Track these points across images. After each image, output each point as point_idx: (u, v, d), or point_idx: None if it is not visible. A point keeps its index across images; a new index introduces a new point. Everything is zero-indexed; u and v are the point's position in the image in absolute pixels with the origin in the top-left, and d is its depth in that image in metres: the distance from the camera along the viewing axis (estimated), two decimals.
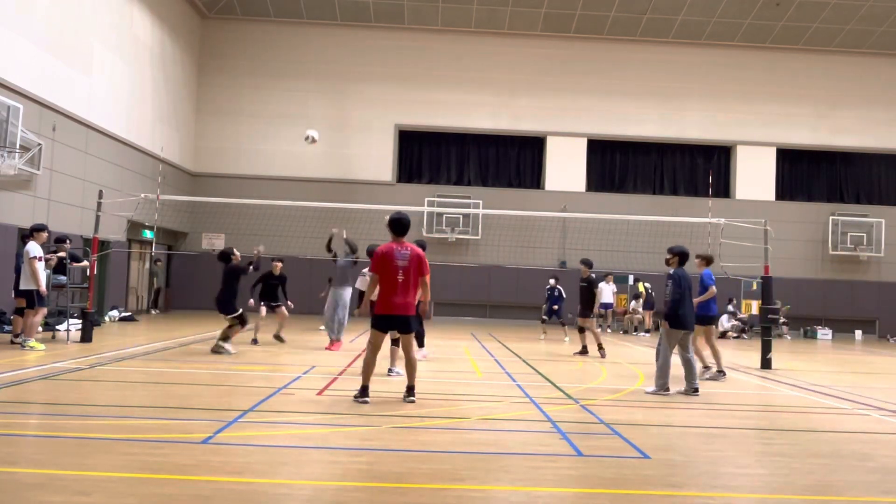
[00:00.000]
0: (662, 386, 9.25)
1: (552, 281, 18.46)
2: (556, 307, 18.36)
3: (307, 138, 15.03)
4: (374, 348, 7.74)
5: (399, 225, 7.85)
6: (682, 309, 9.36)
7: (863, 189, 28.62)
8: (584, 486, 4.93)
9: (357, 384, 7.94)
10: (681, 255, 9.63)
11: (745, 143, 27.70)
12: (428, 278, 7.95)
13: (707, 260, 11.51)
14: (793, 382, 11.37)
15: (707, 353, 11.57)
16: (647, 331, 22.51)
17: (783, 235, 23.59)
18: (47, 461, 4.98)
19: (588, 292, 14.14)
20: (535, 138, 27.74)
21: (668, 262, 9.76)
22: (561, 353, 14.91)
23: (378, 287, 7.74)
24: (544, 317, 18.71)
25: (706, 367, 11.39)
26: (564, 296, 18.37)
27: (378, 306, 7.73)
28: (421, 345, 12.17)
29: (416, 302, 7.91)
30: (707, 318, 11.36)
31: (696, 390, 9.26)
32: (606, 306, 23.29)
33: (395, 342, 9.58)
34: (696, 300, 11.50)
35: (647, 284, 22.65)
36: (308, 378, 9.46)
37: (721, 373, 11.25)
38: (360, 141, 26.98)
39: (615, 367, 12.76)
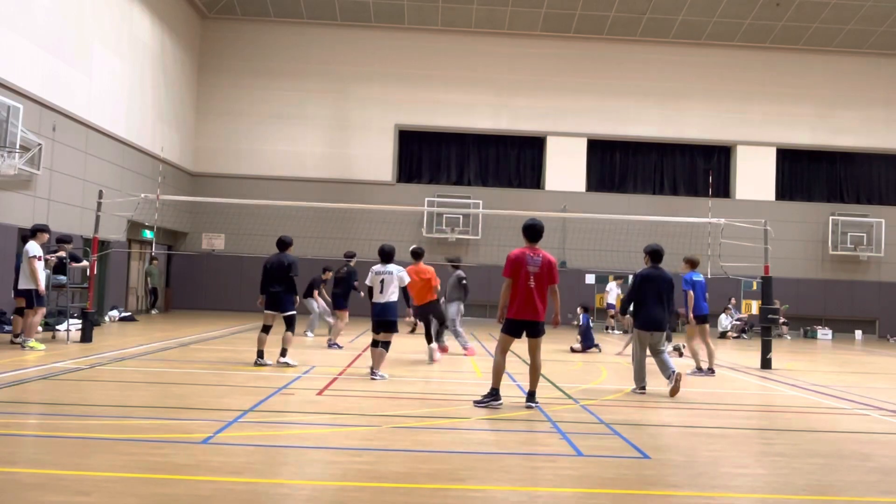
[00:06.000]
0: (640, 383, 9.41)
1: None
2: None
3: None
4: (503, 351, 7.92)
5: (533, 231, 7.88)
6: (643, 310, 9.34)
7: (863, 189, 28.61)
8: (584, 486, 4.93)
9: (358, 385, 7.95)
10: (651, 254, 9.58)
11: (745, 143, 27.69)
12: (557, 286, 7.96)
13: (691, 263, 12.21)
14: (793, 382, 11.38)
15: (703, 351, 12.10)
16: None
17: (783, 235, 23.60)
18: (47, 461, 4.98)
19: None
20: (535, 138, 27.73)
21: (644, 261, 9.68)
22: (561, 354, 14.91)
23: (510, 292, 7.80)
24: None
25: (699, 369, 11.91)
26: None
27: (510, 311, 7.81)
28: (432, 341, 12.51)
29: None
30: (700, 317, 11.94)
31: (677, 378, 9.00)
32: (611, 306, 23.35)
33: (374, 344, 9.48)
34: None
35: None
36: (308, 378, 9.46)
37: (710, 370, 11.90)
38: (360, 141, 26.98)
39: (615, 367, 12.77)
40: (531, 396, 7.88)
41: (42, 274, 11.73)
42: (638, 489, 4.88)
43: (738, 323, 23.46)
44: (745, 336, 23.02)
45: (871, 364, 16.37)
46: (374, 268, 9.62)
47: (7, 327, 13.52)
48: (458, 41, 27.27)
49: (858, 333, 26.67)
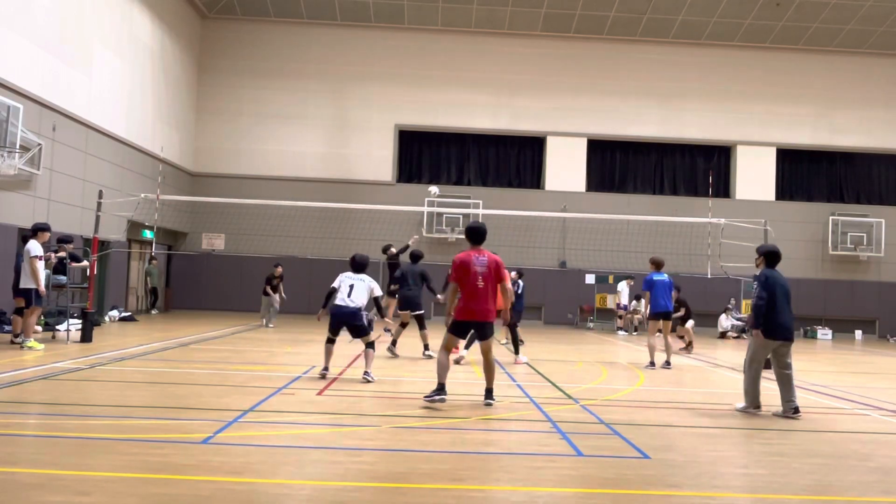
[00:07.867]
0: (753, 402, 8.12)
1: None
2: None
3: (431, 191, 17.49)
4: (446, 351, 7.93)
5: (475, 233, 7.99)
6: (772, 315, 8.03)
7: (863, 189, 28.60)
8: (584, 486, 4.93)
9: (358, 385, 7.93)
10: (767, 256, 8.55)
11: (745, 143, 27.69)
12: (508, 284, 8.02)
13: (656, 264, 12.55)
14: None
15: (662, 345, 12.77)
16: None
17: (783, 235, 23.56)
18: (47, 461, 4.98)
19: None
20: (534, 138, 27.72)
21: (756, 264, 8.69)
22: (561, 354, 14.90)
23: (458, 294, 7.86)
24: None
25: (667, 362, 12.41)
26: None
27: (458, 312, 7.86)
28: (517, 350, 12.65)
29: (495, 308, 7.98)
30: (661, 314, 12.40)
31: (797, 410, 7.83)
32: (622, 307, 23.30)
33: (369, 345, 9.40)
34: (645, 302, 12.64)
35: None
36: (308, 378, 9.46)
37: (652, 364, 12.29)
38: (360, 141, 26.97)
39: (615, 367, 12.77)
40: (489, 394, 7.84)
41: (43, 273, 11.73)
42: (638, 489, 4.87)
43: (739, 323, 23.46)
44: (745, 336, 22.99)
45: (871, 364, 16.37)
46: (345, 274, 9.58)
47: (7, 327, 13.52)
48: (458, 41, 27.27)
49: (858, 333, 26.66)
